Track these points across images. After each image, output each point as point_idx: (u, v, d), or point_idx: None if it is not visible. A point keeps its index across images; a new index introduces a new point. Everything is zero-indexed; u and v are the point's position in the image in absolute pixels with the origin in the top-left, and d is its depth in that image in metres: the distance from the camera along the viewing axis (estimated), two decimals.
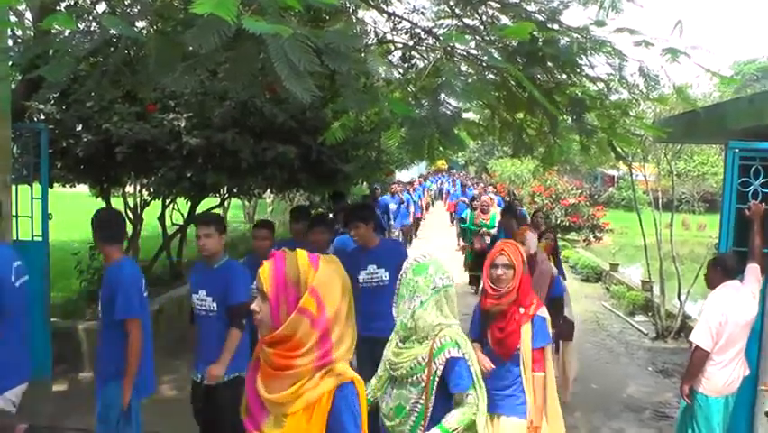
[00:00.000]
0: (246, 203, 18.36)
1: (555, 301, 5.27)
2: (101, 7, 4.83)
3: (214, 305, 4.60)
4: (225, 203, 14.19)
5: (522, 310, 3.95)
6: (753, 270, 4.89)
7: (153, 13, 3.84)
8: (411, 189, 21.42)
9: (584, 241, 20.04)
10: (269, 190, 12.75)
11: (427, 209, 29.95)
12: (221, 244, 4.75)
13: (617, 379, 8.11)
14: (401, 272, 3.11)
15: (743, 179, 5.28)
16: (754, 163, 5.25)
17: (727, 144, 5.42)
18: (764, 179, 5.19)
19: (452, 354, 2.99)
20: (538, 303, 4.07)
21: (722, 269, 4.81)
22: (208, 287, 4.64)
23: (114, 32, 3.53)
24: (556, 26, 4.91)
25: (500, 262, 3.96)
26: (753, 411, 5.07)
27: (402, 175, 29.86)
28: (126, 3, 4.19)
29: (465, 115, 6.11)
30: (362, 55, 3.64)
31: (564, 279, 7.80)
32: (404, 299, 3.09)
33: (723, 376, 4.67)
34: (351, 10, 4.68)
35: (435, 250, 15.18)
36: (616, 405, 7.15)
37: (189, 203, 10.25)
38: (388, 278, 5.34)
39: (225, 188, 9.51)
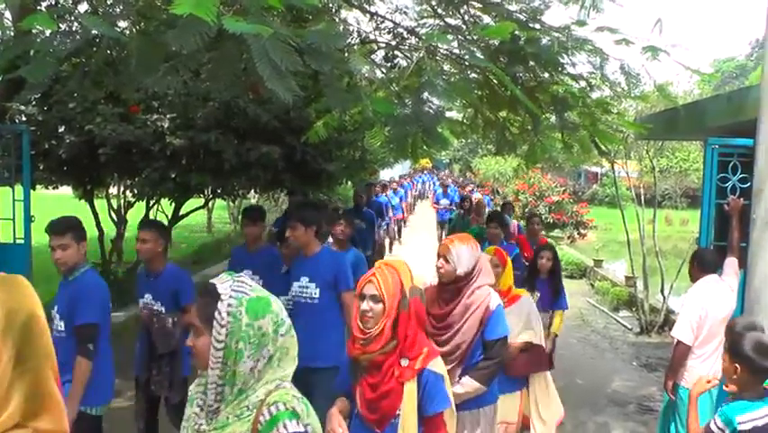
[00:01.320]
0: (231, 204, 18.33)
1: (490, 346, 3.65)
2: (83, 7, 4.81)
3: (62, 324, 3.94)
4: (210, 204, 14.15)
5: (405, 363, 2.81)
6: (731, 263, 4.97)
7: (135, 13, 3.83)
8: (387, 192, 18.74)
9: (568, 238, 20.17)
10: (253, 191, 12.73)
11: (410, 211, 27.94)
12: (79, 255, 4.03)
13: (602, 374, 8.18)
14: (224, 313, 1.95)
15: (721, 175, 5.35)
16: (732, 159, 5.33)
17: (706, 141, 5.49)
18: (742, 175, 5.26)
19: (288, 428, 1.98)
20: (431, 352, 2.91)
21: (699, 263, 4.88)
22: (60, 303, 4.01)
23: (96, 33, 3.52)
24: (538, 26, 4.96)
25: (367, 293, 2.82)
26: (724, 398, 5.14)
27: (386, 174, 29.28)
28: (108, 3, 4.18)
29: (448, 114, 6.16)
30: (345, 55, 3.66)
31: (565, 307, 6.39)
32: (242, 357, 1.94)
33: (704, 369, 4.71)
34: (333, 10, 4.70)
35: (416, 256, 14.90)
36: (601, 399, 7.21)
37: (173, 204, 10.21)
38: (318, 295, 4.74)
39: (209, 189, 9.49)
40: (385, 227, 15.06)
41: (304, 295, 4.78)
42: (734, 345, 3.23)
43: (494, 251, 4.68)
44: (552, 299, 6.18)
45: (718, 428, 3.16)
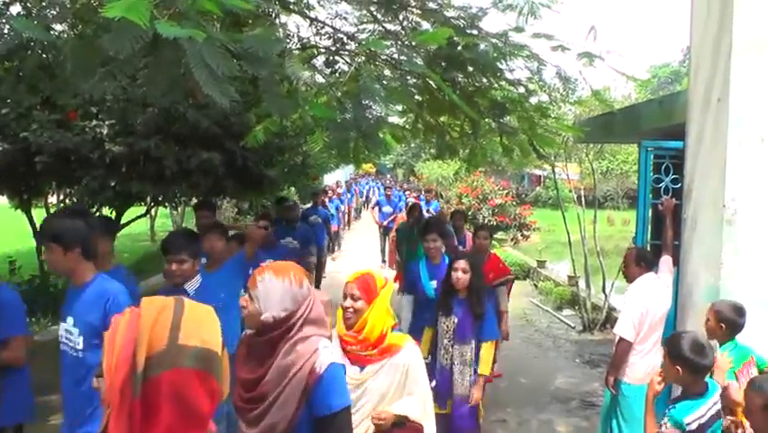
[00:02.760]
0: (174, 211, 18.05)
1: (325, 426, 2.49)
2: (15, 8, 4.69)
3: None
4: (152, 212, 13.91)
5: None
6: (666, 261, 5.15)
7: (72, 15, 3.76)
8: (325, 200, 15.07)
9: (512, 240, 20.45)
10: (195, 198, 12.57)
11: (349, 223, 25.04)
12: None
13: (545, 372, 8.33)
14: None
15: (656, 176, 5.55)
16: (665, 161, 5.53)
17: (641, 144, 5.68)
18: (674, 176, 5.46)
19: None
20: None
21: (635, 262, 5.05)
22: None
23: (29, 36, 3.44)
24: (476, 32, 5.05)
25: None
26: (669, 396, 5.31)
27: (330, 179, 28.56)
28: (43, 4, 4.09)
29: (390, 119, 6.19)
30: (285, 59, 3.66)
31: (494, 336, 5.00)
32: None
33: (644, 364, 4.87)
34: (273, 15, 4.70)
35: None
36: (544, 397, 7.35)
37: (115, 213, 10.01)
38: (81, 346, 3.32)
39: (151, 197, 9.33)
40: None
41: (68, 343, 3.40)
42: (672, 349, 3.37)
43: (356, 278, 3.22)
44: (473, 326, 4.87)
45: (669, 430, 3.30)
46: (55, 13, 3.75)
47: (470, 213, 19.77)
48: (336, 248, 17.87)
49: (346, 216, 23.02)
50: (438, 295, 5.15)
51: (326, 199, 16.12)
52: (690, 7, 5.17)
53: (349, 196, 23.68)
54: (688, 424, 3.25)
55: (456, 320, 4.85)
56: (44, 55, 4.77)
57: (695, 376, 3.32)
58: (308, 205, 13.80)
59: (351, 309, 3.16)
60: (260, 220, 8.39)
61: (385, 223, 16.17)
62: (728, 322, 4.00)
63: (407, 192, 23.96)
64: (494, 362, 5.21)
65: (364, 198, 35.05)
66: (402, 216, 12.10)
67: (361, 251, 18.56)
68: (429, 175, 31.03)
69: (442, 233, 5.89)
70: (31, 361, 4.03)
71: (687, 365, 3.29)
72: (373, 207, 18.61)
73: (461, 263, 4.86)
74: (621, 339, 4.86)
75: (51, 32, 3.82)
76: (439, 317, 4.93)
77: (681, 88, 12.36)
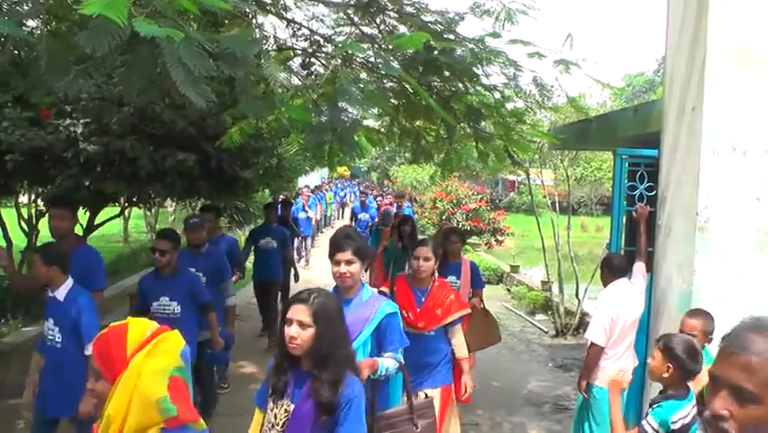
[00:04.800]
0: (147, 212, 17.86)
1: None
2: None
3: None
4: (126, 212, 13.75)
5: None
6: (639, 267, 5.22)
7: (46, 11, 3.71)
8: (286, 214, 11.92)
9: (486, 244, 20.53)
10: (169, 199, 12.41)
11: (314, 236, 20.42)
12: None
13: (518, 376, 8.39)
14: None
15: (630, 184, 5.62)
16: (640, 169, 5.60)
17: (616, 151, 5.74)
18: (648, 184, 5.53)
19: None
20: None
21: (608, 268, 5.11)
22: None
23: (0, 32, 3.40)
24: (452, 36, 5.07)
25: None
26: (641, 399, 5.38)
27: (304, 181, 27.66)
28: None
29: (366, 122, 6.19)
30: (261, 61, 3.65)
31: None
32: None
33: (615, 368, 4.92)
34: (250, 16, 4.67)
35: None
36: (517, 400, 7.40)
37: (88, 213, 9.89)
38: None
39: (125, 198, 9.22)
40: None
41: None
42: (669, 347, 3.41)
43: (97, 338, 2.10)
44: (317, 419, 2.69)
45: (653, 429, 3.35)
46: (27, 8, 3.70)
47: (444, 217, 19.80)
48: (305, 263, 16.70)
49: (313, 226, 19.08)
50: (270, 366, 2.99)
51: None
52: (666, 17, 5.25)
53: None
54: (674, 423, 3.30)
55: (291, 407, 2.78)
56: (16, 52, 4.70)
57: (682, 378, 3.37)
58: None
59: (93, 393, 2.06)
60: (204, 212, 7.98)
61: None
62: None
63: (379, 198, 22.35)
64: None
65: (339, 204, 32.04)
66: (388, 231, 9.87)
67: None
68: (404, 179, 31.10)
69: (359, 252, 3.62)
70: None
71: (679, 366, 3.34)
72: (351, 219, 17.09)
73: (296, 311, 2.74)
74: (592, 344, 4.92)
75: (24, 29, 3.77)
76: (268, 399, 2.91)
77: (656, 97, 12.53)
